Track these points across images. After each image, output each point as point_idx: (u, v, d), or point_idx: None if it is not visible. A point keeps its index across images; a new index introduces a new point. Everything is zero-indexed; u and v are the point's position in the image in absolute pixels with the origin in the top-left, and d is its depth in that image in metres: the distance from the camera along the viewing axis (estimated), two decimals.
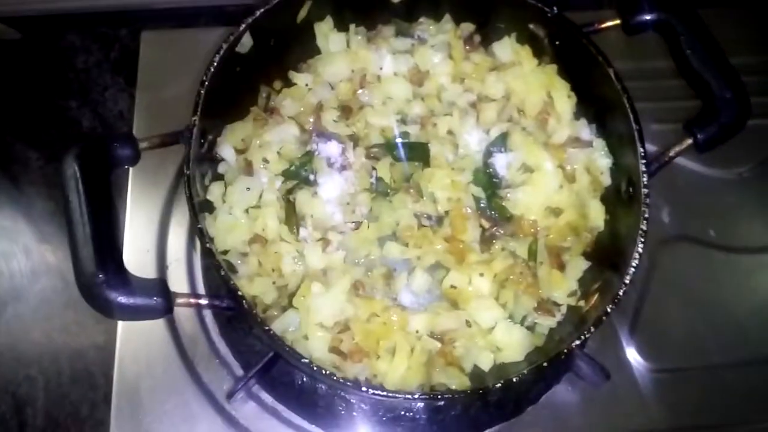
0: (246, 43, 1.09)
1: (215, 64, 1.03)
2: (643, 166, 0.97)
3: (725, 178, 1.35)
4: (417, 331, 1.02)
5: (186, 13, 1.50)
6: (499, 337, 1.03)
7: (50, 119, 1.43)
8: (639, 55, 1.25)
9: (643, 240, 0.93)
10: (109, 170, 0.95)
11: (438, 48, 1.20)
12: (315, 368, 0.86)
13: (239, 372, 1.16)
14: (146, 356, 1.17)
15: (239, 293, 0.89)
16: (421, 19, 1.23)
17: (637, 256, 0.92)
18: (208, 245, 0.92)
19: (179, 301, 0.89)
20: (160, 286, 0.89)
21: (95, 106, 1.44)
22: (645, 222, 0.94)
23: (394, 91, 1.19)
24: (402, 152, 1.15)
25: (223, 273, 0.89)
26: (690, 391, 1.19)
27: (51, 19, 1.50)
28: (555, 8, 1.08)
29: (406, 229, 1.12)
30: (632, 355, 1.20)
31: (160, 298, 0.87)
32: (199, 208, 1.04)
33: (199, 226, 0.92)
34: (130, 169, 1.29)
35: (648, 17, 1.05)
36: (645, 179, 0.96)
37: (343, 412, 1.11)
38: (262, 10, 1.08)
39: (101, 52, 1.49)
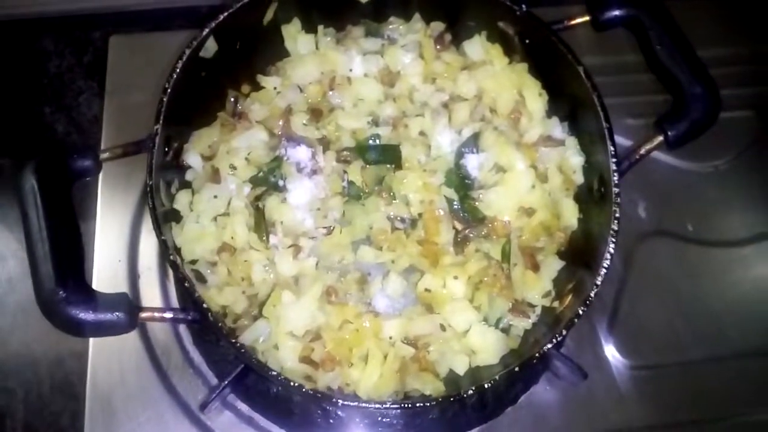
0: (210, 47, 1.07)
1: (178, 70, 1.01)
2: (614, 164, 0.96)
3: (702, 171, 1.34)
4: (390, 338, 1.01)
5: (159, 16, 1.48)
6: (474, 340, 1.02)
7: (24, 125, 1.40)
8: (612, 50, 1.23)
9: (614, 240, 0.92)
10: (69, 183, 0.93)
11: (408, 48, 1.19)
12: (283, 380, 0.85)
13: (214, 382, 1.14)
14: (119, 367, 1.15)
15: (204, 306, 0.87)
16: (391, 19, 1.22)
17: (608, 256, 0.91)
18: (171, 257, 0.90)
19: (143, 315, 0.87)
20: (123, 300, 0.87)
21: (69, 111, 1.41)
22: (616, 222, 0.93)
23: (365, 93, 1.18)
24: (373, 155, 1.14)
25: (187, 285, 0.88)
26: (669, 387, 1.18)
27: (23, 23, 1.47)
28: (524, 6, 1.07)
29: (379, 233, 1.11)
30: (611, 353, 1.20)
31: (122, 314, 0.85)
32: (166, 218, 1.03)
33: (163, 237, 0.91)
34: (100, 177, 1.27)
35: (617, 13, 1.04)
36: (616, 178, 0.95)
37: (319, 420, 1.10)
38: (225, 13, 1.06)
39: (74, 57, 1.46)
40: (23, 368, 1.21)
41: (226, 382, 0.99)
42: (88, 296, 0.85)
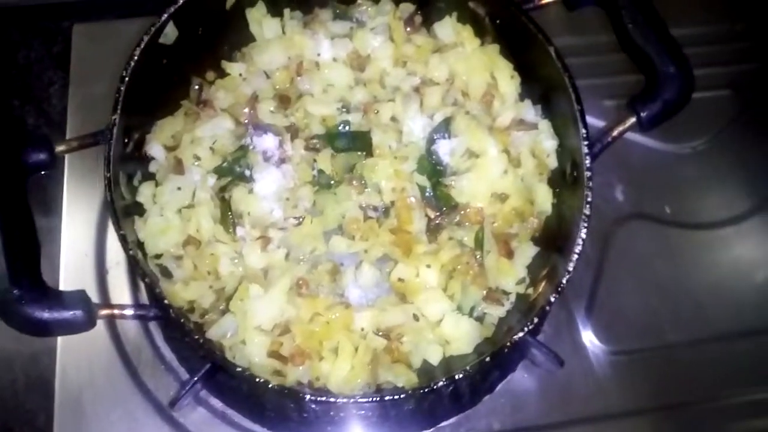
0: (170, 33, 1.04)
1: (135, 58, 0.97)
2: (586, 147, 0.94)
3: (679, 152, 1.32)
4: (362, 329, 0.99)
5: (128, 2, 1.43)
6: (448, 329, 1.00)
7: None
8: (585, 29, 1.21)
9: (586, 225, 0.90)
10: (24, 177, 0.90)
11: (378, 31, 1.16)
12: (249, 376, 0.82)
13: (185, 378, 1.11)
14: (89, 365, 1.13)
15: (166, 302, 0.85)
16: (359, 1, 1.19)
17: (580, 242, 0.90)
18: (131, 252, 0.88)
19: (102, 312, 0.85)
20: (81, 298, 0.85)
21: (39, 103, 1.37)
22: (588, 206, 0.91)
23: (335, 78, 1.15)
24: (343, 142, 1.11)
25: (148, 281, 0.85)
26: (647, 371, 1.17)
27: None
28: None
29: (351, 222, 1.09)
30: (588, 338, 1.18)
31: (80, 311, 0.83)
32: (128, 212, 1.00)
33: (122, 232, 0.88)
34: (65, 169, 1.24)
35: None
36: (588, 161, 0.93)
37: (293, 414, 1.08)
38: None
39: (43, 47, 1.42)
40: None
41: (195, 379, 0.96)
42: (45, 295, 0.82)
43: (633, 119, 0.97)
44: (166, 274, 1.01)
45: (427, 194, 1.09)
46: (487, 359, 0.86)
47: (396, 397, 0.85)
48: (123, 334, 1.15)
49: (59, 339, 1.14)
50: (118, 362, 1.13)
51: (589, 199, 0.91)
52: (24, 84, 1.38)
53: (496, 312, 1.03)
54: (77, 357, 1.13)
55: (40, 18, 1.43)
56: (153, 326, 1.15)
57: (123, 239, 0.88)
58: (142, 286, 1.17)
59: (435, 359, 0.99)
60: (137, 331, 1.15)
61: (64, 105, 1.36)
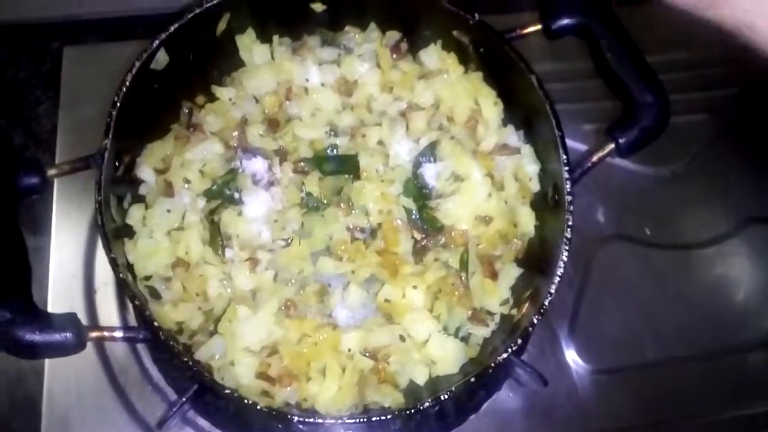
0: (161, 59, 1.06)
1: (127, 84, 0.99)
2: (566, 172, 0.96)
3: (658, 175, 1.35)
4: (349, 350, 1.00)
5: (118, 24, 1.45)
6: (434, 350, 1.02)
7: None
8: (566, 56, 1.24)
9: (567, 248, 0.92)
10: (15, 200, 0.91)
11: (365, 57, 1.19)
12: (237, 397, 0.83)
13: (173, 398, 1.12)
14: (76, 386, 1.12)
15: (155, 324, 0.86)
16: (347, 29, 1.21)
17: (561, 264, 0.92)
18: (121, 275, 0.89)
19: (92, 335, 0.86)
20: (71, 320, 0.85)
21: (27, 122, 1.38)
22: (569, 229, 0.93)
23: (323, 103, 1.17)
24: (331, 165, 1.13)
25: (137, 303, 0.86)
26: (629, 390, 1.19)
27: None
28: (476, 15, 1.07)
29: (339, 244, 1.10)
30: (572, 357, 1.20)
31: (70, 334, 0.83)
32: (118, 234, 1.01)
33: (112, 255, 0.89)
34: (54, 190, 1.24)
35: (568, 22, 1.05)
36: (568, 186, 0.96)
37: None
38: (176, 25, 1.04)
39: (32, 67, 1.42)
40: None
41: (183, 400, 0.97)
42: (35, 317, 0.83)
43: (612, 146, 1.00)
44: (155, 295, 1.02)
45: (413, 216, 1.10)
46: (473, 380, 0.88)
47: (383, 417, 0.87)
48: (111, 354, 1.15)
49: (46, 360, 1.14)
50: (105, 382, 1.13)
51: (570, 223, 0.93)
52: (12, 103, 1.39)
53: (480, 332, 1.05)
54: (65, 377, 1.13)
55: (28, 37, 1.43)
56: (141, 347, 1.15)
57: (113, 263, 0.89)
58: (130, 306, 1.18)
59: (421, 379, 1.01)
60: (125, 351, 1.15)
61: (53, 124, 1.37)
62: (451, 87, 1.15)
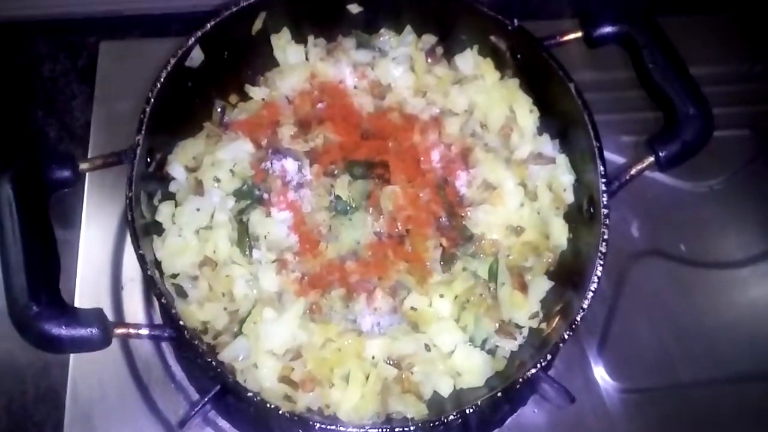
0: (196, 57, 1.06)
1: (162, 80, 0.99)
2: (603, 185, 0.94)
3: (696, 191, 1.32)
4: (373, 357, 0.98)
5: (156, 21, 1.46)
6: (459, 361, 1.00)
7: (15, 129, 1.38)
8: (606, 65, 1.21)
9: (602, 263, 0.90)
10: (47, 193, 0.91)
11: (399, 60, 1.18)
12: (259, 401, 0.82)
13: (195, 398, 1.12)
14: (100, 381, 1.13)
15: (181, 323, 0.85)
16: (382, 31, 1.20)
17: (596, 279, 0.89)
18: (149, 272, 0.88)
19: (118, 331, 0.85)
20: (97, 316, 0.85)
21: (62, 115, 1.40)
22: (604, 244, 0.91)
23: (355, 106, 1.16)
24: (361, 169, 1.12)
25: (164, 301, 0.86)
26: (659, 411, 1.16)
27: (16, 26, 1.45)
28: (516, 21, 1.05)
29: (366, 249, 1.09)
30: (600, 374, 1.17)
31: (96, 330, 0.83)
32: (147, 231, 1.01)
33: (141, 252, 0.89)
34: (85, 185, 1.25)
35: (610, 30, 1.02)
36: (605, 199, 0.93)
37: None
38: (212, 23, 1.05)
39: (69, 61, 1.45)
40: (7, 377, 1.19)
41: (205, 400, 0.97)
42: (62, 311, 0.83)
43: (651, 158, 0.97)
44: (182, 293, 1.01)
45: (442, 224, 1.09)
46: (499, 394, 0.86)
47: (405, 428, 0.85)
48: (135, 350, 1.15)
49: (71, 354, 1.14)
50: (129, 378, 1.13)
51: (605, 237, 0.91)
52: (48, 96, 1.41)
53: (508, 345, 1.03)
54: (89, 371, 1.13)
55: (66, 32, 1.46)
56: (165, 345, 1.16)
57: (141, 259, 0.89)
58: (156, 303, 1.18)
59: (446, 391, 0.99)
60: (149, 348, 1.16)
61: (87, 118, 1.38)
62: (486, 93, 1.13)
